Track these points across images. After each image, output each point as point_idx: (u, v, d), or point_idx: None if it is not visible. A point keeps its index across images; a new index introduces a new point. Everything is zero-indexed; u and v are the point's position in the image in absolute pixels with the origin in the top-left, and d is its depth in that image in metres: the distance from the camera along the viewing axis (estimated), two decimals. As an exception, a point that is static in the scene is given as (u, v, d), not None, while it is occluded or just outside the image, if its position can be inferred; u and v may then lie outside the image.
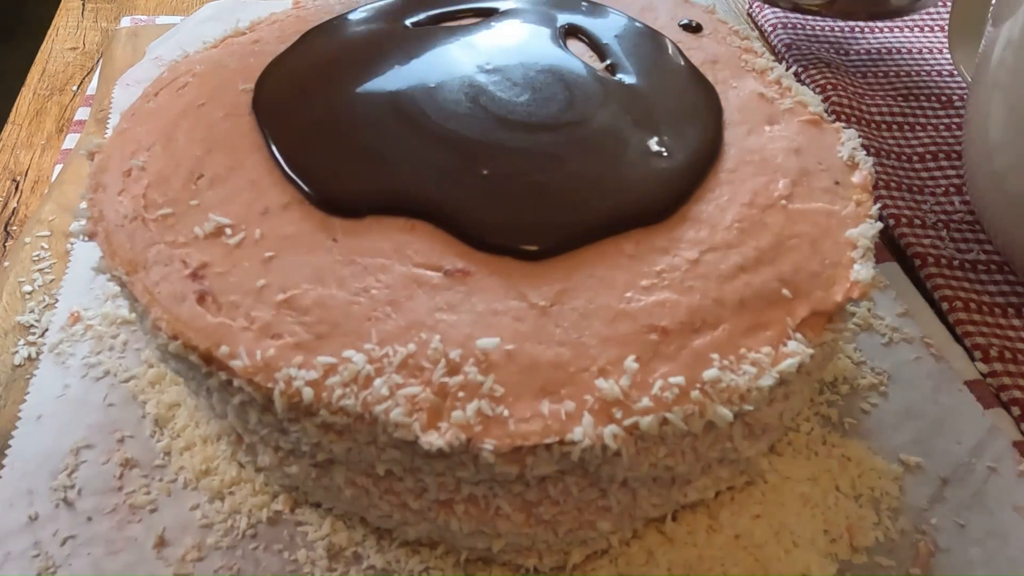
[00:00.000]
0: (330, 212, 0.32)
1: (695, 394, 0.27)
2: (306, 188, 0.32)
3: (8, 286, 0.41)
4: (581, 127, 0.35)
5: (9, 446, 0.34)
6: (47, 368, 0.37)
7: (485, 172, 0.33)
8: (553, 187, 0.33)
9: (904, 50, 0.61)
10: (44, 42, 0.62)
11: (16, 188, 0.50)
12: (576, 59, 0.39)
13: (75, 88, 0.57)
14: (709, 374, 0.27)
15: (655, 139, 0.35)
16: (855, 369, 0.39)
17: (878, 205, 0.33)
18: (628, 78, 0.38)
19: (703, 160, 0.34)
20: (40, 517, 0.32)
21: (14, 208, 0.48)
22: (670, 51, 0.40)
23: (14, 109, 0.56)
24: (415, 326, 0.28)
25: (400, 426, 0.26)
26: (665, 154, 0.34)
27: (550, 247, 0.31)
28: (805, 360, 0.28)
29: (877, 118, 0.54)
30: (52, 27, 0.63)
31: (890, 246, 0.46)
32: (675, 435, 0.27)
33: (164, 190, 0.32)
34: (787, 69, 0.40)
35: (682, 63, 0.39)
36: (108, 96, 0.52)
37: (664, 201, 0.33)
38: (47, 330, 0.39)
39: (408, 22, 0.41)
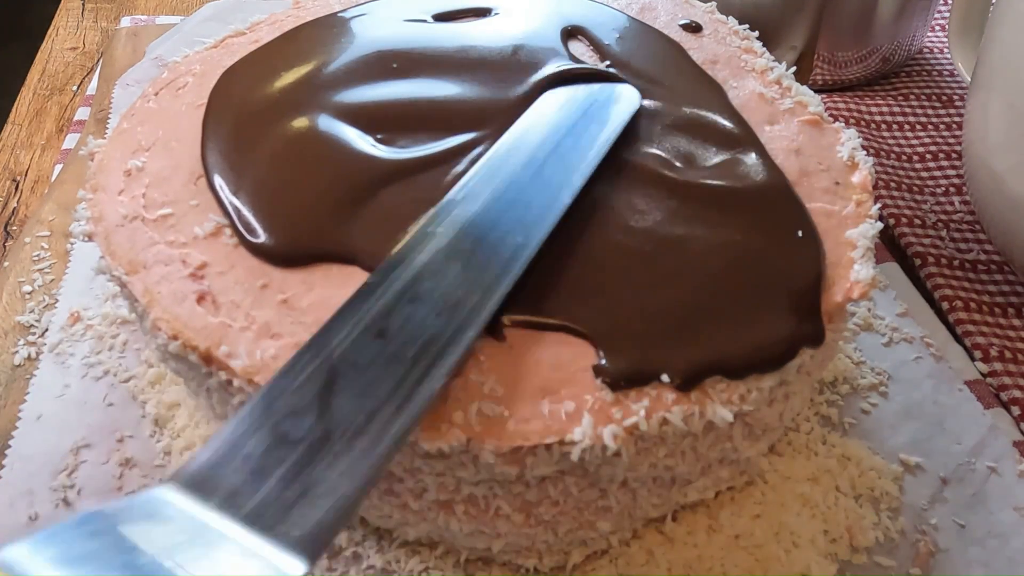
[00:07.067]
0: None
1: (695, 394, 0.27)
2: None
3: (8, 286, 0.41)
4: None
5: (9, 446, 0.34)
6: (47, 368, 0.37)
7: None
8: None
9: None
10: (44, 42, 0.62)
11: (16, 188, 0.50)
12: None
13: (75, 88, 0.57)
14: (709, 374, 0.27)
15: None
16: (855, 369, 0.38)
17: (878, 205, 0.33)
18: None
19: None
20: (40, 517, 0.32)
21: (14, 208, 0.48)
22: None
23: (14, 109, 0.56)
24: (415, 326, 0.28)
25: (400, 426, 0.26)
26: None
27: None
28: (805, 360, 0.28)
29: (877, 118, 0.54)
30: (52, 27, 0.63)
31: (890, 246, 0.46)
32: (675, 435, 0.27)
33: (164, 190, 0.32)
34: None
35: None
36: (108, 96, 0.52)
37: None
38: (47, 330, 0.39)
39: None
